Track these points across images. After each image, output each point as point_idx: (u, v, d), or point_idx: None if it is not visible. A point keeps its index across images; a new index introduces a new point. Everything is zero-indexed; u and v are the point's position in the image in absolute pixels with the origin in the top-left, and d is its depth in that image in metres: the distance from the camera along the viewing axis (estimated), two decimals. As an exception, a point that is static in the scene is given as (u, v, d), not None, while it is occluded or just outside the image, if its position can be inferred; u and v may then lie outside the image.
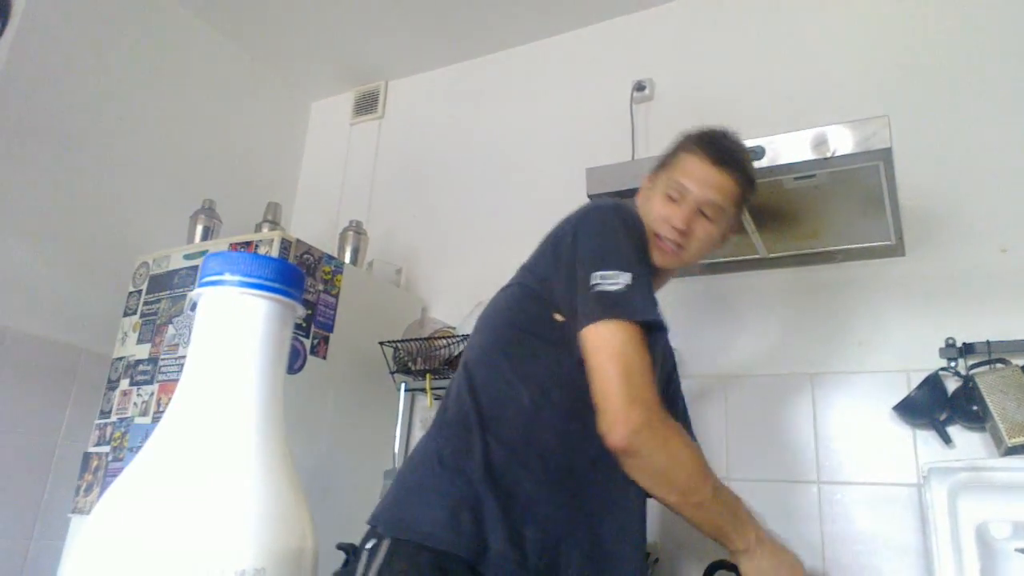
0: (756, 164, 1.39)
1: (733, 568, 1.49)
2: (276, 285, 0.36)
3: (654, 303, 1.02)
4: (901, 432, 1.55)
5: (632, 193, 1.57)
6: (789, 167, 1.38)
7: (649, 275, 1.04)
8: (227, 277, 0.35)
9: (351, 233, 2.23)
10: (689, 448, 0.99)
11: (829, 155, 1.33)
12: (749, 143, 1.40)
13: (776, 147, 1.38)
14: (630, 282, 0.98)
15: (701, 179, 1.15)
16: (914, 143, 1.66)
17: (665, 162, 1.24)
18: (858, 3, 1.92)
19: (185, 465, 0.32)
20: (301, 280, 0.37)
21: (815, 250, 1.71)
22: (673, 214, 1.15)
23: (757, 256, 1.75)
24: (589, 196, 1.58)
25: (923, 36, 1.81)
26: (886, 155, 1.31)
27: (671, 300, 1.86)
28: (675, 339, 1.82)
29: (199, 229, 2.06)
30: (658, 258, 1.14)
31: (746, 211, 1.53)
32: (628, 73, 2.15)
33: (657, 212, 1.16)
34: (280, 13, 2.42)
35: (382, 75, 2.73)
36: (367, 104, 2.76)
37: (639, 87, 2.13)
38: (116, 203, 2.14)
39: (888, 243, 1.63)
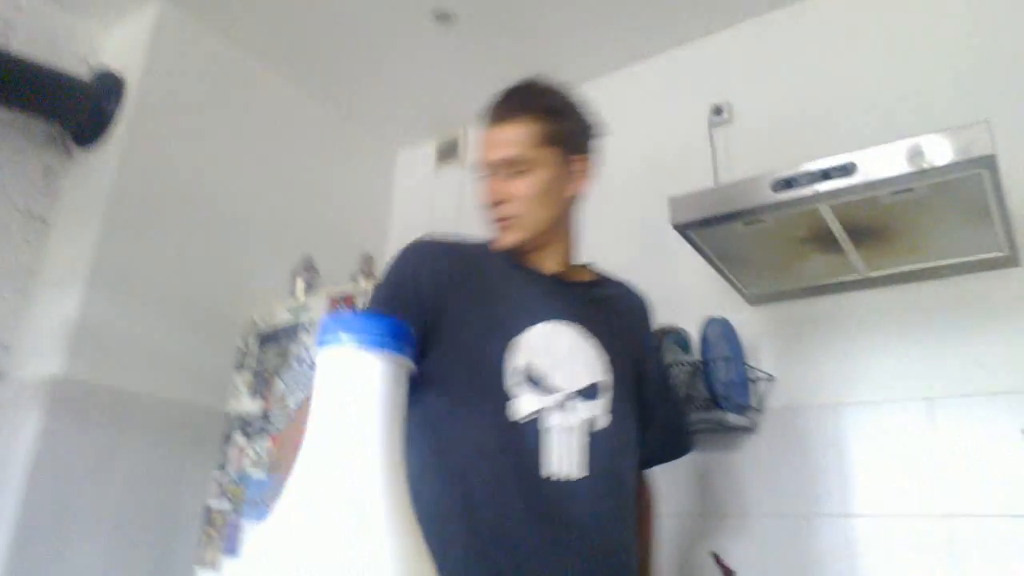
0: (847, 181, 1.35)
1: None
2: (390, 341, 0.38)
3: None
4: (1035, 456, 1.43)
5: (717, 221, 1.56)
6: (884, 182, 1.32)
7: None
8: (343, 336, 0.37)
9: (440, 277, 2.28)
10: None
11: (926, 167, 1.27)
12: (839, 160, 1.36)
13: (868, 162, 1.33)
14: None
15: (485, 145, 1.12)
16: (1022, 147, 1.56)
17: None
18: (947, 3, 1.84)
19: (318, 527, 0.34)
20: (411, 337, 0.39)
21: (919, 266, 1.62)
22: (480, 193, 1.14)
23: (857, 276, 1.68)
24: (673, 226, 1.57)
25: (1021, 33, 1.71)
26: (989, 162, 1.24)
27: (774, 329, 1.81)
28: (775, 367, 1.77)
29: (300, 283, 2.17)
30: (505, 239, 1.12)
31: (842, 228, 1.48)
32: (705, 98, 2.14)
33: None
34: (362, 70, 2.55)
35: (462, 122, 2.82)
36: (449, 151, 2.85)
37: (717, 111, 2.10)
38: (224, 264, 2.28)
39: (1000, 254, 1.53)
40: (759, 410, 1.75)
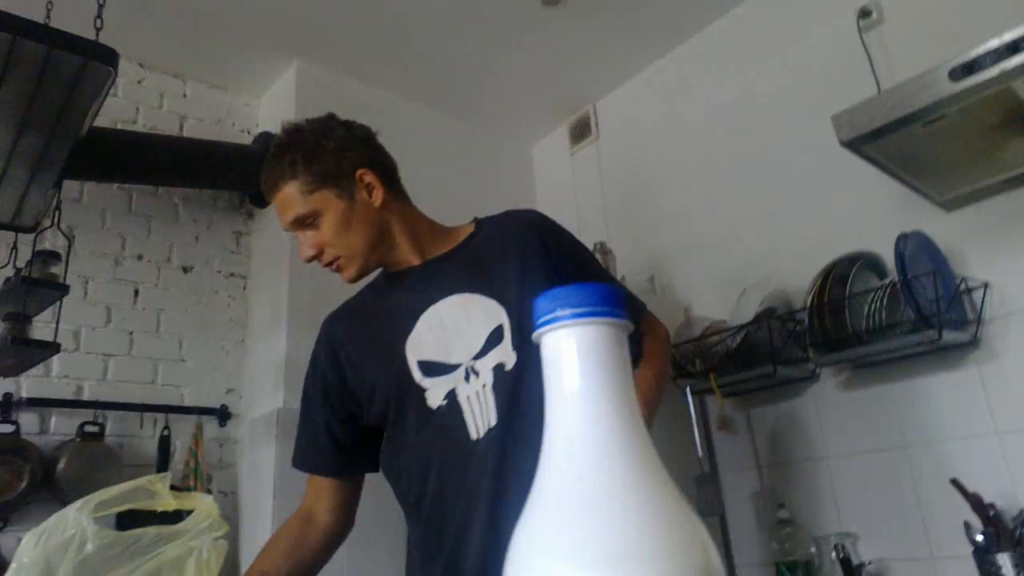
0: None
1: None
2: (605, 309, 0.38)
3: (295, 447, 1.25)
4: None
5: (890, 128, 1.42)
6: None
7: (300, 414, 1.25)
8: (560, 313, 0.38)
9: (598, 255, 2.28)
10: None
11: None
12: (1014, 34, 1.20)
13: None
14: None
15: (278, 216, 1.16)
16: None
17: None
18: None
19: (576, 505, 0.34)
20: (622, 299, 0.39)
21: None
22: (299, 252, 1.18)
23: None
24: (842, 144, 1.45)
25: None
26: None
27: (977, 232, 1.62)
28: (988, 273, 1.59)
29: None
30: (346, 278, 1.17)
31: None
32: (849, 2, 1.96)
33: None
34: (484, 75, 2.61)
35: (589, 98, 2.79)
36: (581, 131, 2.84)
37: (864, 13, 1.92)
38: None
39: None
40: (978, 321, 1.58)
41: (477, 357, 1.07)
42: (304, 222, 1.13)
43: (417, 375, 1.09)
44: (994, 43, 1.26)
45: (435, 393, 1.08)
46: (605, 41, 2.47)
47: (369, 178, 1.16)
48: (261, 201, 2.44)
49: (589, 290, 0.39)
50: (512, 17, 2.32)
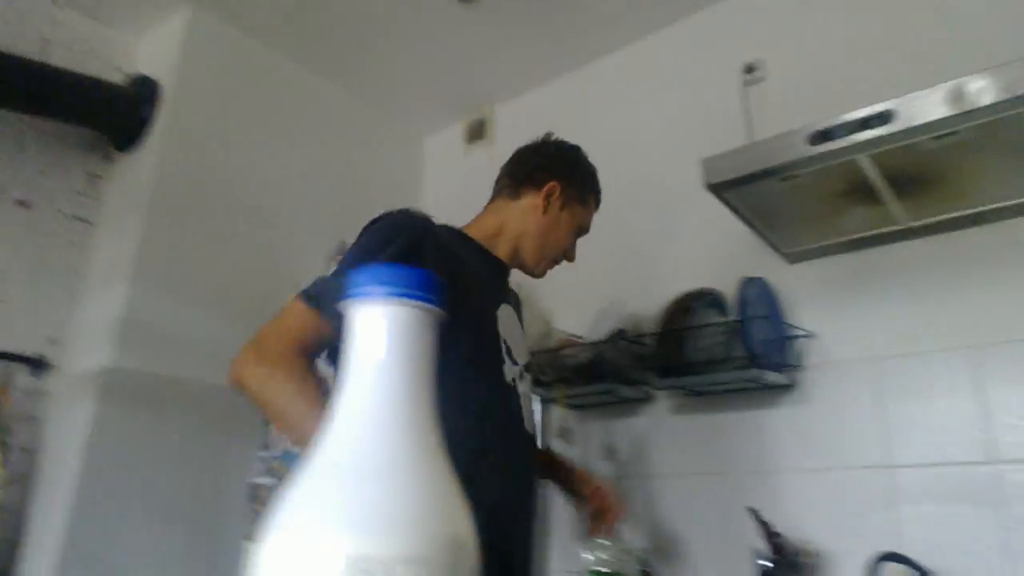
0: (887, 129, 1.31)
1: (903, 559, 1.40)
2: (417, 292, 0.38)
3: (336, 290, 1.10)
4: (1095, 402, 1.39)
5: (751, 179, 1.53)
6: (925, 127, 1.27)
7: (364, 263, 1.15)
8: (373, 289, 0.38)
9: (473, 255, 2.30)
10: (292, 391, 0.99)
11: (968, 108, 1.23)
12: (877, 107, 1.33)
13: (908, 107, 1.28)
14: (330, 274, 1.14)
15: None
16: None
17: (581, 197, 1.41)
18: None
19: (342, 467, 0.35)
20: (439, 287, 0.39)
21: (964, 212, 1.57)
22: (572, 250, 1.39)
23: (898, 227, 1.64)
24: (707, 186, 1.54)
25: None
26: (1036, 98, 1.19)
27: (812, 285, 1.79)
28: (814, 324, 1.74)
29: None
30: (537, 271, 1.35)
31: (882, 179, 1.44)
32: (736, 57, 2.09)
33: (563, 242, 1.37)
34: (386, 58, 2.56)
35: (488, 101, 2.81)
36: (477, 131, 2.85)
37: (749, 69, 2.06)
38: (262, 254, 2.33)
39: (1049, 195, 1.47)
40: (798, 367, 1.73)
41: (523, 370, 1.22)
42: None
43: (502, 346, 1.19)
44: (848, 117, 1.38)
45: (508, 371, 1.18)
46: (512, 49, 2.50)
47: None
48: (126, 144, 2.27)
49: (406, 272, 0.39)
50: (425, 6, 2.29)
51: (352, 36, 2.45)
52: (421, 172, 3.01)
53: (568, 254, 1.40)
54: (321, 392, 0.99)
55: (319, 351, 1.04)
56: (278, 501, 0.35)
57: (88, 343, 2.05)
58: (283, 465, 1.92)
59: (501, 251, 1.31)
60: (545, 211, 1.34)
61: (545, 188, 1.35)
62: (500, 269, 1.31)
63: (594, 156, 2.44)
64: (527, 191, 1.36)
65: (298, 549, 0.33)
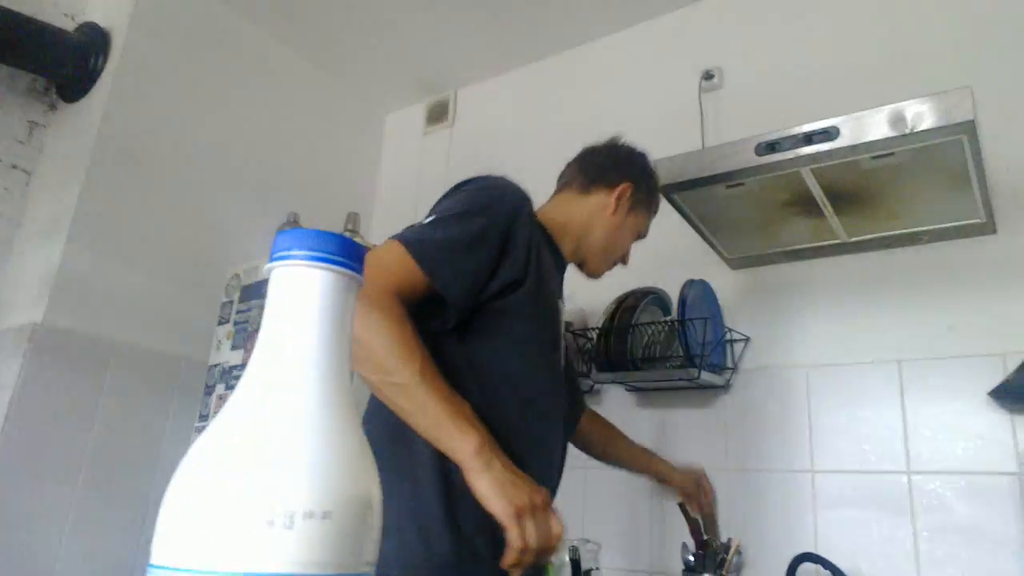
0: (829, 145, 1.36)
1: (820, 560, 1.46)
2: (337, 258, 0.39)
3: (440, 249, 1.02)
4: (998, 418, 1.47)
5: (700, 183, 1.57)
6: (866, 146, 1.33)
7: (465, 228, 1.05)
8: (294, 252, 0.38)
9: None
10: (397, 326, 0.93)
11: (907, 132, 1.28)
12: (821, 124, 1.37)
13: (851, 126, 1.33)
14: (430, 221, 1.07)
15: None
16: (1003, 115, 1.57)
17: (648, 203, 1.39)
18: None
19: (252, 422, 0.36)
20: (359, 253, 0.40)
21: (898, 232, 1.64)
22: (628, 254, 1.40)
23: (837, 241, 1.70)
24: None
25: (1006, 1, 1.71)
26: (969, 128, 1.24)
27: (752, 291, 1.85)
28: (751, 329, 1.80)
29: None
30: (597, 272, 1.36)
31: (823, 193, 1.50)
32: (696, 63, 2.13)
33: (623, 244, 1.36)
34: (352, 32, 2.52)
35: (451, 84, 2.80)
36: (438, 113, 2.84)
37: (707, 76, 2.10)
38: (209, 220, 2.28)
39: (977, 221, 1.54)
40: (733, 370, 1.79)
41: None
42: None
43: (559, 339, 1.24)
44: (793, 130, 1.42)
45: (558, 362, 1.21)
46: (479, 34, 2.49)
47: None
48: (71, 94, 2.19)
49: (328, 238, 0.39)
50: (391, -19, 2.27)
51: (318, 5, 2.41)
52: (379, 147, 2.99)
53: (625, 258, 1.39)
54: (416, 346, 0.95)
55: (412, 302, 0.97)
56: (189, 451, 0.36)
57: (20, 298, 1.98)
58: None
59: (565, 246, 1.29)
60: (614, 212, 1.30)
61: (617, 189, 1.31)
62: (562, 264, 1.30)
63: (549, 148, 2.46)
64: (598, 190, 1.32)
65: (204, 498, 0.33)
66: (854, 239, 1.68)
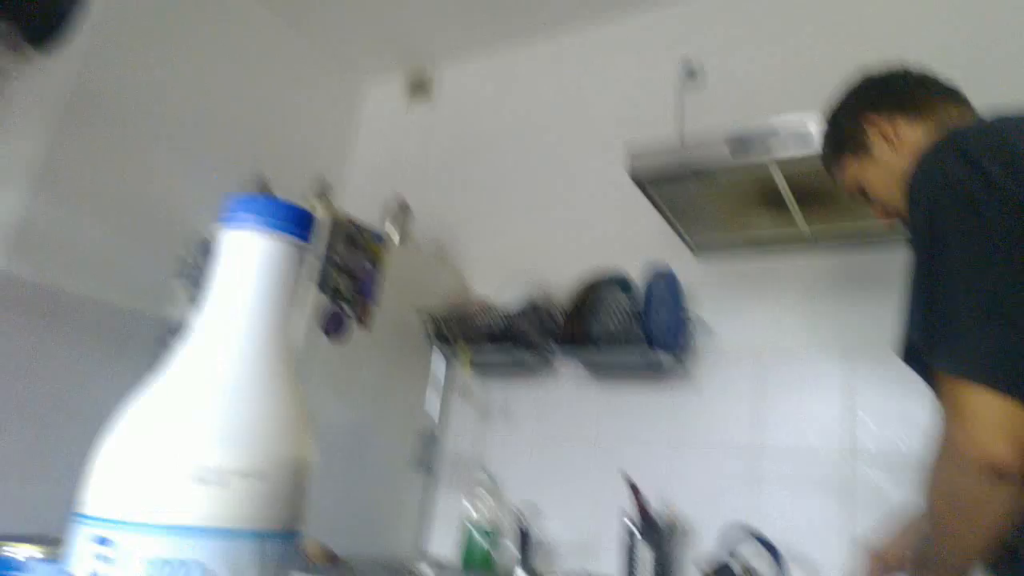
0: (797, 143, 1.39)
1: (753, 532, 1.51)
2: (285, 225, 0.40)
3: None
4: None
5: (672, 175, 1.58)
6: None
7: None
8: (242, 217, 0.39)
9: (397, 210, 2.28)
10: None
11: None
12: (791, 121, 1.40)
13: (817, 124, 1.36)
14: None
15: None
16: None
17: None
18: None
19: (190, 381, 0.36)
20: (309, 222, 0.41)
21: (855, 232, 1.68)
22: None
23: (798, 236, 1.74)
24: (631, 177, 1.59)
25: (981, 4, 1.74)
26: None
27: (708, 278, 1.88)
28: (710, 315, 1.84)
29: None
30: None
31: (789, 189, 1.53)
32: (678, 57, 2.13)
33: None
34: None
35: (433, 60, 2.77)
36: (419, 88, 2.82)
37: (688, 70, 2.10)
38: (174, 174, 2.24)
39: (933, 224, 1.59)
40: (690, 352, 1.84)
41: None
42: (860, 196, 1.12)
43: None
44: (763, 127, 1.45)
45: None
46: (464, 10, 2.47)
47: (881, 128, 1.08)
48: (41, 42, 2.12)
49: (279, 205, 0.40)
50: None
51: (300, -35, 2.37)
52: (355, 117, 2.95)
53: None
54: None
55: None
56: (127, 405, 0.37)
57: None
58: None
59: None
60: None
61: None
62: None
63: (528, 128, 2.48)
64: None
65: (138, 453, 0.34)
66: (814, 235, 1.72)
